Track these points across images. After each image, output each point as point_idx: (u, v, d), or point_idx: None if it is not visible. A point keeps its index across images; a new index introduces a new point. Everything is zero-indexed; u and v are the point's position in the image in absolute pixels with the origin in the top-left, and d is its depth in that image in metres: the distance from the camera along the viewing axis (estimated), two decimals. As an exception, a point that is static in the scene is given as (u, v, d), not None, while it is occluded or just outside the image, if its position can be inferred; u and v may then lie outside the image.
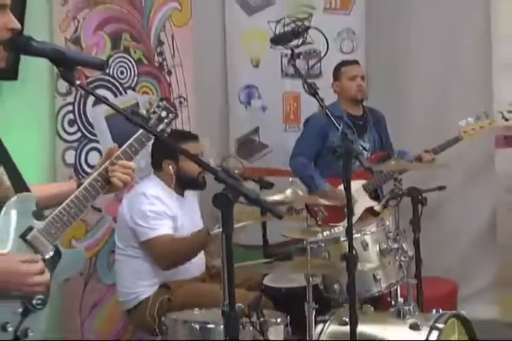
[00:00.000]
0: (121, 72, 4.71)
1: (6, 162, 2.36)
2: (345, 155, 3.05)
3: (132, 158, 2.49)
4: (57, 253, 2.35)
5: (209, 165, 2.33)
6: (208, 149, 4.31)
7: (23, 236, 2.28)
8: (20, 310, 2.24)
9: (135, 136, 2.52)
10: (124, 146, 2.48)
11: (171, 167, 4.06)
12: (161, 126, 2.62)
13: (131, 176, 2.47)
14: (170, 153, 3.98)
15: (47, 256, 2.31)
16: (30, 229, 2.29)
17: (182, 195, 4.19)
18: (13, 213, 2.29)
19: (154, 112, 2.61)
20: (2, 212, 2.26)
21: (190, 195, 4.29)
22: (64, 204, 2.35)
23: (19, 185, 2.35)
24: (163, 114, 2.62)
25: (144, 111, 2.61)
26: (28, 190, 2.36)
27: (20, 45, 2.24)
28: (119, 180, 2.43)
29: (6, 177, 2.33)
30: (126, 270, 4.05)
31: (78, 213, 2.37)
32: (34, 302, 2.26)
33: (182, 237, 3.96)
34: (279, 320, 3.40)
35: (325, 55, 3.60)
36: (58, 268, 2.36)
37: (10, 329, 2.21)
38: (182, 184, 4.14)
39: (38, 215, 2.33)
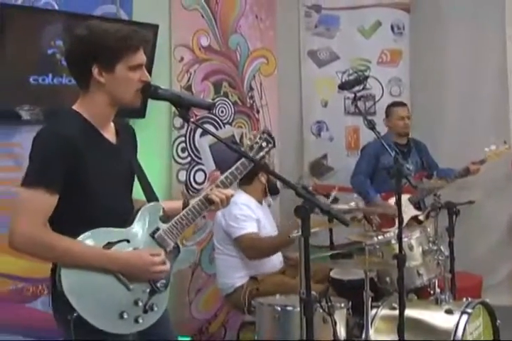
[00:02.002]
0: (222, 111, 4.75)
1: (142, 179, 2.41)
2: (397, 175, 3.01)
3: (228, 186, 2.48)
4: (177, 249, 2.39)
5: (291, 183, 2.31)
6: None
7: (152, 235, 2.32)
8: (148, 290, 2.28)
9: (231, 170, 2.50)
10: (222, 176, 2.48)
11: (263, 178, 4.07)
12: (261, 154, 2.58)
13: (228, 199, 2.45)
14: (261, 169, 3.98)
15: (168, 251, 2.34)
16: (157, 229, 2.34)
17: (261, 202, 4.19)
18: (146, 217, 2.33)
19: (256, 142, 2.58)
20: (137, 217, 2.31)
21: (265, 205, 4.28)
22: (184, 211, 2.39)
23: (151, 196, 2.40)
24: (264, 144, 2.58)
25: (248, 142, 2.60)
26: (157, 200, 2.40)
27: (150, 92, 2.28)
28: (217, 197, 2.42)
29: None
30: (224, 265, 4.03)
31: (194, 218, 2.40)
32: (158, 285, 2.30)
33: (268, 237, 3.94)
34: (342, 305, 3.36)
35: (380, 98, 3.57)
36: (177, 260, 2.39)
37: (140, 304, 2.25)
38: (268, 190, 4.14)
39: (164, 219, 2.37)
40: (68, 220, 2.21)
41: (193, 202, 2.43)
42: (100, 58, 2.20)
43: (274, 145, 2.62)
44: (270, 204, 4.36)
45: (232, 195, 2.48)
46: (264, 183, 4.09)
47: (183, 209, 2.42)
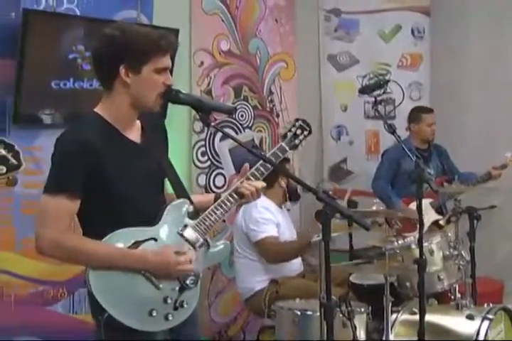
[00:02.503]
0: (242, 115, 4.76)
1: (171, 176, 2.42)
2: (417, 180, 3.00)
3: (259, 179, 2.46)
4: (207, 245, 2.37)
5: (312, 187, 2.30)
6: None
7: (179, 232, 2.32)
8: (178, 287, 2.28)
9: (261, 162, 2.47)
10: (252, 169, 2.45)
11: (283, 182, 4.06)
12: (296, 141, 2.55)
13: (258, 191, 2.44)
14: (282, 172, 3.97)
15: (197, 247, 2.33)
16: (185, 226, 2.33)
17: (281, 207, 4.17)
18: (173, 214, 2.33)
19: (290, 130, 2.54)
20: (164, 214, 2.31)
21: (285, 210, 4.27)
22: (212, 206, 2.37)
23: (180, 192, 2.40)
24: (298, 131, 2.54)
25: (281, 130, 2.57)
26: (187, 196, 2.40)
27: (171, 96, 2.29)
28: (247, 190, 2.41)
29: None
30: (243, 269, 4.03)
31: (223, 213, 2.38)
32: (188, 281, 2.29)
33: (288, 241, 3.94)
34: (362, 309, 3.34)
35: (401, 103, 3.55)
36: (207, 255, 2.38)
37: (169, 301, 2.26)
38: (288, 195, 4.12)
39: (193, 215, 2.36)
40: (98, 222, 2.24)
41: (223, 195, 2.41)
42: (129, 59, 2.22)
43: (310, 132, 2.56)
44: (289, 208, 4.35)
45: (262, 187, 2.45)
46: (284, 187, 4.09)
47: (214, 202, 2.41)
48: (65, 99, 3.53)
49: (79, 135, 2.20)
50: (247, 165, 2.46)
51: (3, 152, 1.71)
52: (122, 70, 2.22)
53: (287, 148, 2.52)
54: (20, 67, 3.31)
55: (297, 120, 2.57)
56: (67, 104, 3.53)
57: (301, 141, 2.55)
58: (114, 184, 2.22)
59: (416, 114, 5.06)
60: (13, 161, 1.72)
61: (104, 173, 2.20)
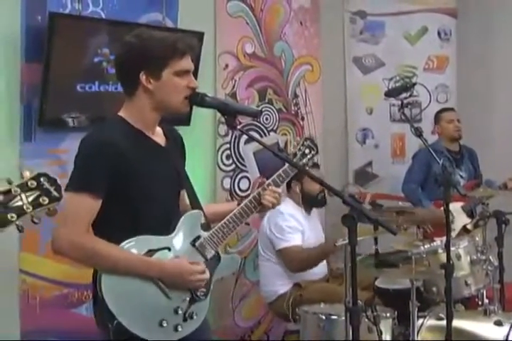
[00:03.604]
0: (266, 119, 4.75)
1: (188, 187, 2.43)
2: (444, 184, 2.98)
3: (279, 186, 2.49)
4: (218, 257, 2.39)
5: (338, 191, 2.29)
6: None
7: (192, 243, 2.33)
8: (188, 298, 2.29)
9: (283, 168, 2.51)
10: (274, 176, 2.49)
11: (297, 187, 4.06)
12: (304, 160, 2.61)
13: (278, 199, 2.47)
14: (296, 176, 3.96)
15: (209, 259, 2.34)
16: (198, 237, 2.34)
17: (309, 213, 4.17)
18: (187, 225, 2.34)
19: (299, 149, 2.60)
20: (179, 224, 2.32)
21: (315, 213, 4.26)
22: (225, 219, 2.39)
23: (195, 203, 2.41)
24: (307, 151, 2.61)
25: (291, 149, 2.62)
26: (201, 207, 2.41)
27: (198, 99, 2.29)
28: (269, 202, 2.44)
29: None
30: (267, 272, 4.04)
31: (235, 227, 2.40)
32: (198, 293, 2.30)
33: (310, 248, 3.92)
34: (388, 314, 3.33)
35: (428, 105, 3.54)
36: (218, 268, 2.39)
37: (180, 312, 2.26)
38: (305, 201, 4.12)
39: (205, 227, 2.37)
40: (114, 224, 2.23)
41: (235, 209, 2.43)
42: (147, 65, 2.22)
43: (317, 152, 2.64)
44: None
45: (280, 195, 2.48)
46: (298, 192, 4.08)
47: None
48: (90, 102, 3.55)
49: (103, 136, 2.21)
50: (262, 178, 2.49)
51: (47, 185, 1.78)
52: (143, 77, 2.23)
53: (300, 167, 2.57)
54: (46, 70, 3.33)
55: (306, 140, 2.64)
56: (92, 107, 3.55)
57: (308, 160, 2.63)
58: (138, 183, 2.22)
59: (437, 115, 5.07)
60: (55, 194, 1.79)
61: (128, 173, 2.19)
